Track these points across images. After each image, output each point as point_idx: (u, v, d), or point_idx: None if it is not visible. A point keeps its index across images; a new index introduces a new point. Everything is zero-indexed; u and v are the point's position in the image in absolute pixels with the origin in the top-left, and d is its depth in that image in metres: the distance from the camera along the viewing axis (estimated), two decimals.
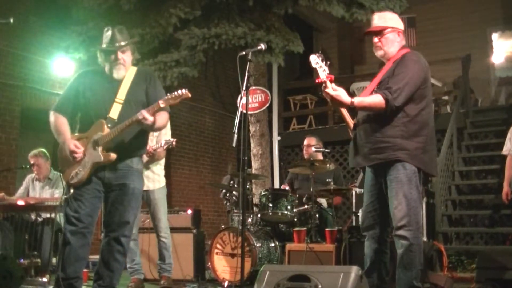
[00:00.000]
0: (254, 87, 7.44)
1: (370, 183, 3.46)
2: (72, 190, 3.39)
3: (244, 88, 3.47)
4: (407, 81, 3.22)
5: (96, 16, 7.21)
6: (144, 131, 3.47)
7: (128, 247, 3.56)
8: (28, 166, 5.74)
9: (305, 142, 5.94)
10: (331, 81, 3.22)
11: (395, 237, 3.26)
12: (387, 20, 3.44)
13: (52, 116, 3.47)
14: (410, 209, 3.20)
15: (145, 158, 4.83)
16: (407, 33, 9.57)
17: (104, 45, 3.43)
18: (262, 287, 2.89)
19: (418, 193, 3.25)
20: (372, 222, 3.42)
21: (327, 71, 3.29)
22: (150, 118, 3.23)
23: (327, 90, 3.18)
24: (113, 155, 3.32)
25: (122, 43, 3.40)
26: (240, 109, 3.48)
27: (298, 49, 7.09)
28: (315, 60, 3.33)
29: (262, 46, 3.64)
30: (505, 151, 5.49)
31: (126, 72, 3.48)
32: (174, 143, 4.67)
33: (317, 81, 3.25)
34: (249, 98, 6.97)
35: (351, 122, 3.54)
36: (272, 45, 6.72)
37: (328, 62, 3.32)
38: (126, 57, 3.46)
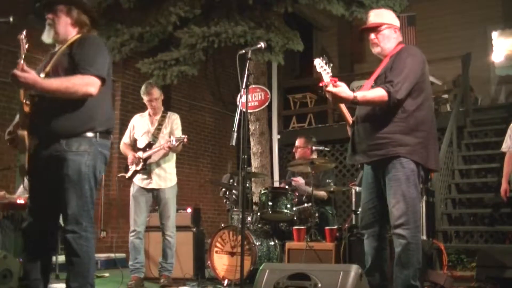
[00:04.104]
0: (253, 86, 7.43)
1: (369, 181, 3.43)
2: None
3: (243, 86, 3.46)
4: (406, 74, 3.20)
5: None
6: (80, 106, 2.88)
7: (79, 244, 2.84)
8: None
9: (296, 143, 5.95)
10: (334, 83, 3.16)
11: (393, 235, 3.23)
12: (383, 17, 3.44)
13: None
14: (409, 207, 3.16)
15: (158, 155, 4.87)
16: (407, 31, 9.56)
17: None
18: (261, 285, 2.88)
19: (416, 191, 3.21)
20: (372, 220, 3.39)
21: (331, 74, 3.26)
22: (17, 73, 2.72)
23: (328, 88, 3.12)
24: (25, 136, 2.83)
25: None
26: (239, 108, 3.47)
27: (298, 48, 7.09)
28: (320, 64, 3.30)
29: (262, 44, 3.63)
30: (504, 148, 5.50)
31: (60, 37, 3.07)
32: (185, 140, 4.77)
33: (321, 84, 3.20)
34: (249, 96, 6.93)
35: (350, 120, 3.53)
36: (272, 43, 6.73)
37: (331, 64, 3.29)
38: (58, 19, 3.08)
